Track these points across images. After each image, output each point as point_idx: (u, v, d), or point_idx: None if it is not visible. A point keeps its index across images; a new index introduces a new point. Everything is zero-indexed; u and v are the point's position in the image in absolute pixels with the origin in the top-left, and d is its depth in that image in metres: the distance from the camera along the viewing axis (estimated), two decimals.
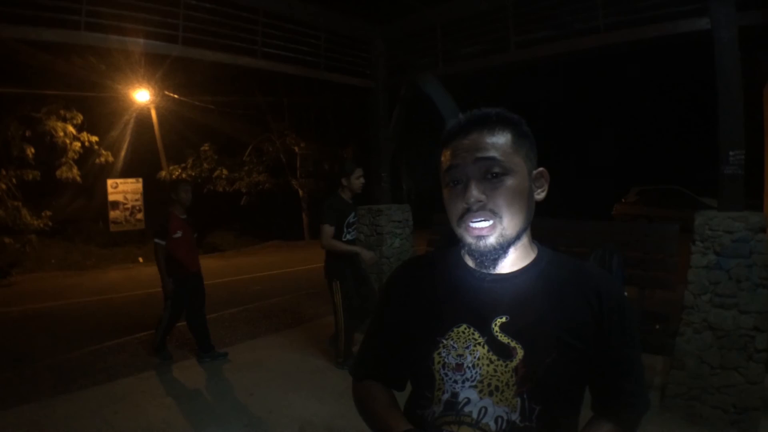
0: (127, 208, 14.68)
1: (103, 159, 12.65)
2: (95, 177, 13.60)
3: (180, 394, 4.12)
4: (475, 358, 0.98)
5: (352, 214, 4.51)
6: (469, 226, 0.98)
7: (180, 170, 16.36)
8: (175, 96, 15.22)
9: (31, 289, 9.99)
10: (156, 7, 3.80)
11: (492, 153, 0.97)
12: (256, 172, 17.56)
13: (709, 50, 3.50)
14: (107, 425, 3.58)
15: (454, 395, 0.97)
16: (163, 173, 15.71)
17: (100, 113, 13.44)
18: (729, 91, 3.45)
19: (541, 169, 1.06)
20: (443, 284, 1.08)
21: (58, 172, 11.49)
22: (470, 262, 1.07)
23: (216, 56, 4.36)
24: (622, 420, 1.04)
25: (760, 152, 9.66)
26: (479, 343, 0.98)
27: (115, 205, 14.54)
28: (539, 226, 1.09)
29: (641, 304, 4.12)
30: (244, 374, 4.52)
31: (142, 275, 11.24)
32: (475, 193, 0.97)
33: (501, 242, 0.98)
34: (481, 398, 0.96)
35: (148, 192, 15.12)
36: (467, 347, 0.99)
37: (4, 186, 10.75)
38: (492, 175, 0.97)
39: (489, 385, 0.96)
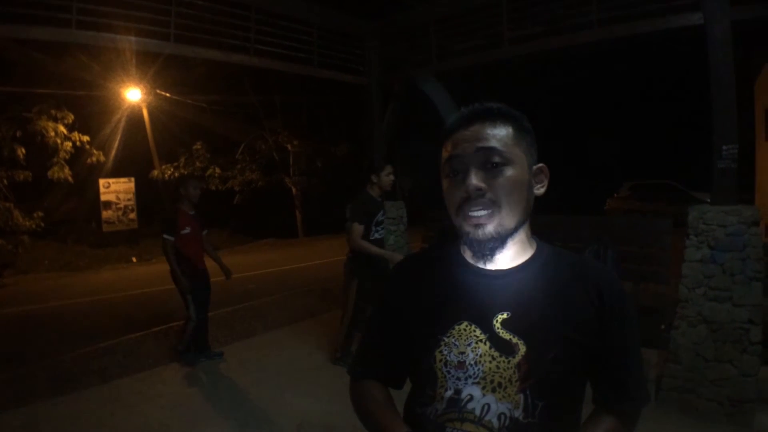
0: (120, 208, 14.58)
1: (94, 159, 12.55)
2: (87, 177, 13.49)
3: (176, 395, 4.10)
4: (477, 355, 0.97)
5: (381, 212, 4.39)
6: (467, 215, 0.98)
7: (172, 169, 16.29)
8: (167, 95, 15.14)
9: (24, 291, 9.91)
10: (148, 4, 3.77)
11: (493, 143, 0.98)
12: (249, 170, 17.53)
13: (702, 45, 3.52)
14: (104, 427, 3.56)
15: (457, 392, 0.97)
16: (156, 172, 15.63)
17: (91, 112, 13.36)
18: (722, 86, 3.47)
19: (541, 164, 1.06)
20: (443, 281, 1.08)
21: (49, 173, 11.38)
22: (469, 258, 1.07)
23: (208, 53, 4.33)
24: (624, 413, 1.04)
25: (752, 147, 9.75)
26: (481, 340, 0.98)
27: (108, 205, 14.43)
28: (534, 222, 1.09)
29: (636, 299, 4.14)
30: (240, 373, 4.51)
31: (135, 275, 11.18)
32: (474, 181, 0.97)
33: (499, 231, 0.98)
34: (484, 395, 0.95)
35: (140, 191, 15.04)
36: (469, 344, 0.98)
37: None
38: (492, 164, 0.98)
39: (492, 381, 0.96)
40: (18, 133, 10.73)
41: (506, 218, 0.98)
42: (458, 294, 1.04)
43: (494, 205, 0.97)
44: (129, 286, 9.54)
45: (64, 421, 3.63)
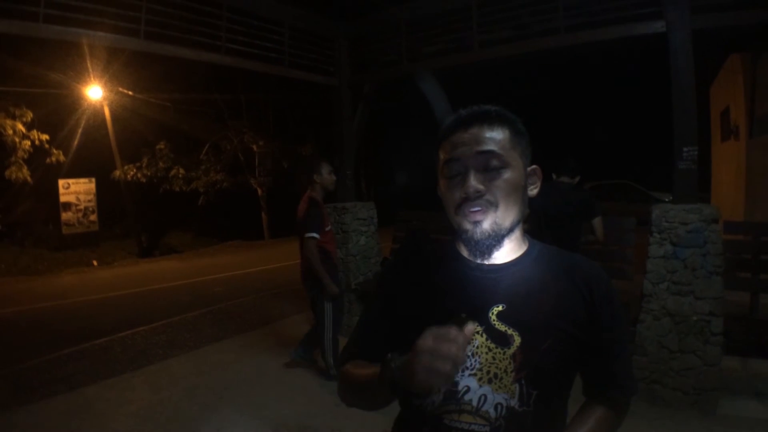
0: (80, 210, 14.15)
1: (54, 158, 12.14)
2: (46, 177, 13.03)
3: (146, 402, 3.99)
4: (473, 346, 1.00)
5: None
6: (467, 211, 1.01)
7: (135, 169, 15.89)
8: (130, 93, 14.75)
9: None
10: None
11: (492, 147, 1.01)
12: (214, 171, 17.25)
13: (663, 52, 3.67)
14: None
15: (454, 384, 0.99)
16: (118, 173, 15.22)
17: (51, 110, 12.88)
18: (682, 90, 3.62)
19: (534, 166, 1.11)
20: (439, 276, 1.11)
21: (7, 173, 10.98)
22: (465, 254, 1.10)
23: (179, 51, 4.24)
24: (614, 402, 1.10)
25: (707, 148, 10.18)
26: (477, 332, 1.01)
27: (67, 206, 13.99)
28: None
29: None
30: (212, 377, 4.43)
31: (97, 279, 10.87)
32: (474, 183, 1.00)
33: (496, 231, 1.02)
34: (480, 386, 0.99)
35: (101, 192, 14.62)
36: None
37: None
38: (491, 167, 1.01)
39: (488, 372, 0.99)
40: None
41: (503, 218, 1.02)
42: (455, 287, 1.07)
43: (492, 206, 1.01)
44: (91, 291, 9.28)
45: (30, 431, 3.51)
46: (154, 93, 15.08)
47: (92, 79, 13.50)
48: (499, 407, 0.97)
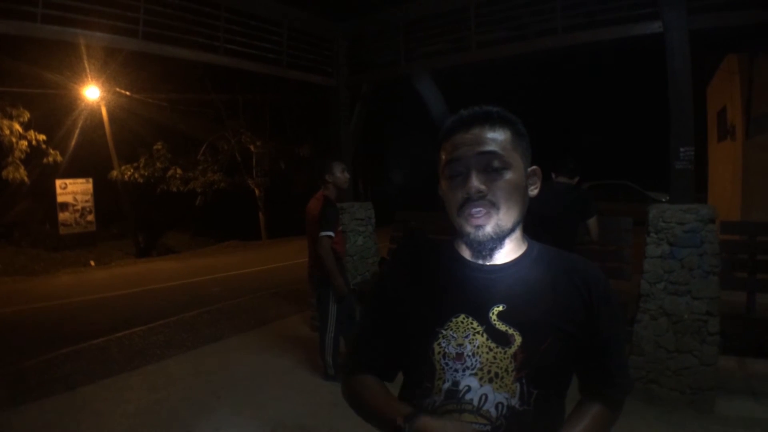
0: (77, 210, 14.11)
1: (51, 158, 12.11)
2: (43, 177, 13.01)
3: (144, 401, 3.98)
4: (474, 346, 1.01)
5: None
6: (469, 214, 1.02)
7: (132, 170, 15.86)
8: (127, 93, 14.72)
9: None
10: None
11: (493, 147, 1.02)
12: (211, 171, 17.22)
13: (660, 53, 3.69)
14: None
15: (455, 384, 1.00)
16: (115, 173, 15.20)
17: (48, 110, 12.87)
18: (679, 91, 3.64)
19: (534, 167, 1.12)
20: (440, 276, 1.11)
21: (4, 173, 10.95)
22: (466, 254, 1.11)
23: (177, 52, 4.25)
24: (610, 399, 1.11)
25: (704, 149, 10.22)
26: (478, 332, 1.02)
27: (65, 206, 13.95)
28: None
29: None
30: (209, 377, 4.43)
31: (94, 279, 10.84)
32: (476, 183, 1.00)
33: (497, 232, 1.03)
34: (481, 385, 0.99)
35: (98, 193, 14.59)
36: (466, 336, 1.02)
37: None
38: (492, 168, 1.02)
39: (489, 372, 0.99)
40: None
41: (504, 219, 1.03)
42: (455, 287, 1.07)
43: (493, 207, 1.02)
44: (88, 291, 9.25)
45: (29, 431, 3.50)
46: (152, 93, 15.06)
47: (89, 79, 13.48)
48: (500, 406, 0.98)
